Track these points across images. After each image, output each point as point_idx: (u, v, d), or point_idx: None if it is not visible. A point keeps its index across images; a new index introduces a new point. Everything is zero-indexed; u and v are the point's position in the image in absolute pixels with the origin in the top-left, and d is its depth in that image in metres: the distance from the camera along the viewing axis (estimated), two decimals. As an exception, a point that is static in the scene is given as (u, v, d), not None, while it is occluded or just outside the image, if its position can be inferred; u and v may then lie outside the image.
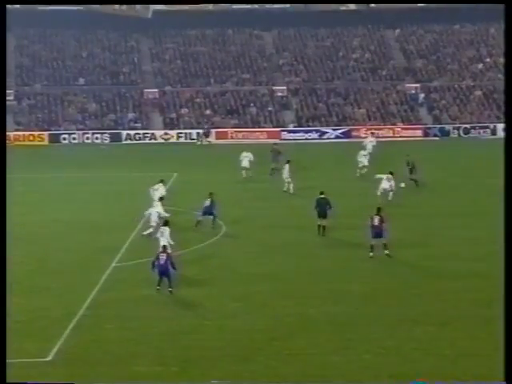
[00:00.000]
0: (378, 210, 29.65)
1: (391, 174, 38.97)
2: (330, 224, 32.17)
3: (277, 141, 60.17)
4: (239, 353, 20.48)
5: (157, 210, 32.47)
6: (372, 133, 65.44)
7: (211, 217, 33.93)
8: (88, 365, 19.80)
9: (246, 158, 46.44)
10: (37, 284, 26.48)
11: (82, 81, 77.19)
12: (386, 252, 29.05)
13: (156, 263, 25.24)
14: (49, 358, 20.10)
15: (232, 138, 70.50)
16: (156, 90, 76.05)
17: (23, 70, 78.39)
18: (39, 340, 21.26)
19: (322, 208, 31.80)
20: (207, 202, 34.09)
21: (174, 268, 25.30)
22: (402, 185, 40.17)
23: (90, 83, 76.72)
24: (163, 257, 25.26)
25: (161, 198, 34.04)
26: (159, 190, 35.83)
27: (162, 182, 37.24)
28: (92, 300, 24.58)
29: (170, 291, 25.10)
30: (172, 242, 27.96)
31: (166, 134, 71.08)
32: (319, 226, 32.01)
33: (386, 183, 38.46)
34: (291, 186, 41.22)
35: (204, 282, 26.67)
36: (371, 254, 29.05)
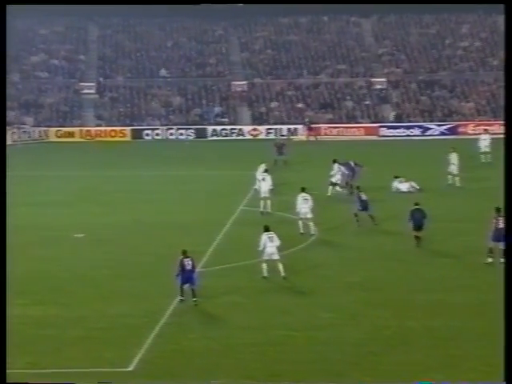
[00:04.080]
0: (498, 210, 29.11)
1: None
2: (425, 234, 31.75)
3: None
4: (331, 367, 20.48)
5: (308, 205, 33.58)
6: (485, 129, 64.24)
7: (367, 212, 34.48)
8: (171, 376, 20.13)
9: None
10: (118, 289, 27.08)
11: (166, 73, 78.47)
12: (503, 260, 28.54)
13: (181, 270, 25.00)
14: (130, 368, 20.52)
15: (326, 134, 70.43)
16: (244, 83, 76.71)
17: (106, 61, 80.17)
18: (120, 348, 21.71)
19: (418, 221, 31.32)
20: (363, 196, 34.68)
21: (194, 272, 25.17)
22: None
23: (174, 75, 77.97)
24: (189, 262, 25.10)
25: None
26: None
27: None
28: (175, 307, 25.01)
29: (195, 302, 24.90)
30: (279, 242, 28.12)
31: (254, 129, 71.61)
32: (416, 237, 31.49)
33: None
34: (457, 179, 43.48)
35: (293, 290, 26.78)
36: (490, 259, 28.61)
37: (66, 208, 40.75)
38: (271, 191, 38.21)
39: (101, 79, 77.91)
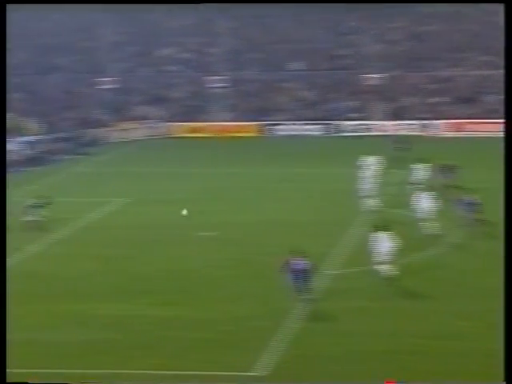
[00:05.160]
0: None
1: None
2: None
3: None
4: (468, 379, 20.21)
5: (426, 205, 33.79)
6: None
7: (474, 214, 33.95)
8: (297, 382, 20.34)
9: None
10: (243, 290, 27.47)
11: (295, 66, 78.73)
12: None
13: (290, 269, 25.30)
14: (253, 373, 20.74)
15: (464, 130, 69.19)
16: (378, 76, 76.12)
17: (235, 54, 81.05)
18: (243, 352, 21.98)
19: None
20: (467, 199, 34.18)
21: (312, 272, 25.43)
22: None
23: (305, 68, 78.15)
24: (299, 261, 25.25)
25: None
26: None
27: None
28: (299, 311, 25.16)
29: (308, 303, 25.12)
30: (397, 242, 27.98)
31: (387, 125, 70.93)
32: None
33: None
34: None
35: (425, 296, 26.54)
36: None
37: (191, 206, 41.57)
38: (376, 189, 39.29)
39: (230, 73, 78.90)
